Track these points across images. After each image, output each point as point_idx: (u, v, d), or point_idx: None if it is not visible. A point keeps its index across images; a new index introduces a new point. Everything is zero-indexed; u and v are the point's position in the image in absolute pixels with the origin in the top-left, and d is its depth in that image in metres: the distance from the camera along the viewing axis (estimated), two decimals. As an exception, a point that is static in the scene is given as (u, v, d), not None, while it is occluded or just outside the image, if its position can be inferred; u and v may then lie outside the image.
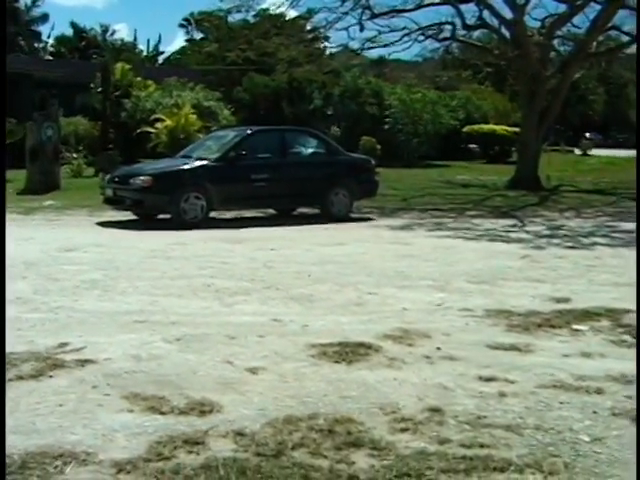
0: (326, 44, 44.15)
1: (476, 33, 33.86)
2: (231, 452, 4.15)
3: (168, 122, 25.95)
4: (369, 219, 16.42)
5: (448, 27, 27.13)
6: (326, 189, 15.97)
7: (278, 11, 32.20)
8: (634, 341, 6.56)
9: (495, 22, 26.25)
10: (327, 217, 15.73)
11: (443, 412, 4.77)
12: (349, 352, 5.99)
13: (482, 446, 4.30)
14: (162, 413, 4.67)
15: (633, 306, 7.79)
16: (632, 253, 11.77)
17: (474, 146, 39.68)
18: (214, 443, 4.26)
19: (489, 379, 5.43)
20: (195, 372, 5.52)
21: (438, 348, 6.19)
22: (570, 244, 12.82)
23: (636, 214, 11.58)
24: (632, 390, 5.26)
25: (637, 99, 26.18)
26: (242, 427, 4.47)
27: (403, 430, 4.50)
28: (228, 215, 16.14)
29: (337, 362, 5.79)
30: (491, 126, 39.38)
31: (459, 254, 11.51)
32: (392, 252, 11.74)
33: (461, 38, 29.65)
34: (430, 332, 6.67)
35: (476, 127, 38.86)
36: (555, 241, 13.19)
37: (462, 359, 5.91)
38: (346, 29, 27.30)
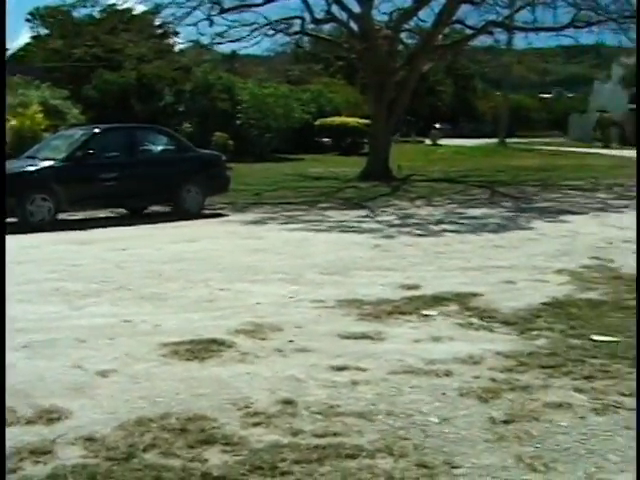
0: (176, 40, 43.68)
1: (327, 27, 34.18)
2: (80, 459, 4.03)
3: (13, 122, 25.02)
4: (222, 215, 16.31)
5: (298, 21, 27.28)
6: (177, 186, 15.79)
7: (125, 6, 31.55)
8: (482, 323, 6.79)
9: (344, 16, 26.54)
10: (179, 214, 15.55)
11: (296, 404, 4.79)
12: (201, 349, 5.94)
13: (334, 434, 4.34)
14: (8, 425, 4.48)
15: (480, 289, 8.08)
16: (479, 238, 12.22)
17: (327, 139, 40.14)
18: (62, 451, 4.13)
19: (341, 368, 5.49)
20: (43, 379, 5.35)
21: (290, 341, 6.21)
22: (420, 232, 13.11)
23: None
24: (479, 370, 5.44)
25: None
26: (92, 432, 4.36)
27: (256, 424, 4.49)
28: (78, 216, 15.70)
29: (189, 360, 5.73)
30: (343, 119, 39.92)
31: (311, 246, 11.59)
32: (244, 247, 11.71)
33: (311, 32, 29.88)
34: (282, 325, 6.69)
35: (328, 120, 39.32)
36: (406, 230, 13.44)
37: (314, 350, 5.96)
38: (195, 24, 26.99)
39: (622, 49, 34.25)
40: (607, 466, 4.03)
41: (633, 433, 4.40)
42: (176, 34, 38.35)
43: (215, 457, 4.06)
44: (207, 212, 16.29)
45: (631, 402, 4.85)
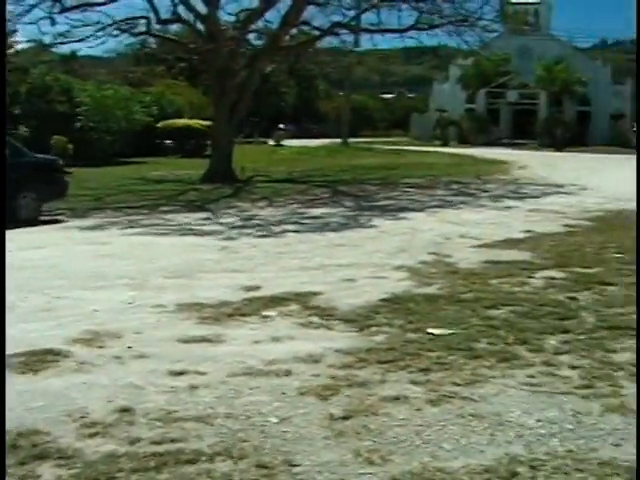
0: (16, 39, 41.92)
1: (174, 28, 33.75)
2: None
3: None
4: (61, 221, 15.81)
5: (143, 21, 26.78)
6: (12, 193, 15.17)
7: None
8: (321, 322, 6.87)
9: (191, 16, 26.27)
10: (15, 222, 14.95)
11: (133, 411, 4.71)
12: (36, 361, 5.74)
13: (173, 441, 4.29)
14: None
15: (320, 288, 8.18)
16: (320, 237, 12.36)
17: (169, 141, 39.64)
18: None
19: (180, 373, 5.45)
20: None
21: (129, 347, 6.10)
22: (262, 233, 13.13)
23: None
24: (319, 369, 5.51)
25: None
26: None
27: (92, 435, 4.39)
28: None
29: (23, 373, 5.53)
30: (186, 121, 39.56)
31: (151, 251, 11.36)
32: (86, 253, 11.39)
33: (157, 33, 29.43)
34: (121, 332, 6.57)
35: (170, 122, 38.87)
36: (247, 231, 13.43)
37: (153, 356, 5.87)
38: (35, 23, 25.86)
39: (459, 51, 35.44)
40: (442, 454, 4.16)
41: (466, 421, 4.57)
42: (14, 32, 36.72)
43: (48, 472, 3.95)
44: (45, 219, 15.75)
45: (465, 391, 5.04)
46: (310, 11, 27.31)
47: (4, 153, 15.48)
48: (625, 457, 4.17)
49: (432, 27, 27.23)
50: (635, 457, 4.06)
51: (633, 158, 41.96)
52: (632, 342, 6.26)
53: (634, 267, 9.44)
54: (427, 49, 47.03)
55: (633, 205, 16.88)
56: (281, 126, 60.03)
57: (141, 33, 28.30)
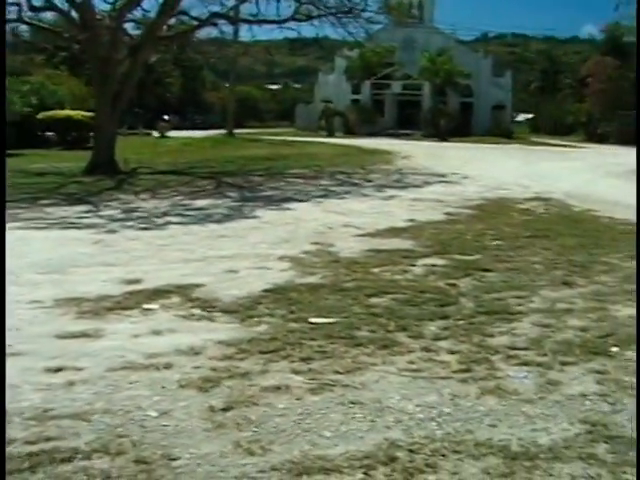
0: None
1: (49, 15, 32.75)
2: None
3: None
4: None
5: (14, 8, 25.92)
6: None
7: None
8: (203, 314, 6.81)
9: (65, 4, 25.60)
10: None
11: (7, 411, 4.55)
12: None
13: (48, 439, 4.19)
14: None
15: (202, 280, 8.12)
16: (203, 229, 12.26)
17: (50, 133, 38.59)
18: None
19: (57, 369, 5.30)
20: None
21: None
22: (144, 225, 12.85)
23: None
24: (200, 361, 5.46)
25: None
26: None
27: (-38, 437, 4.23)
28: None
29: None
30: (67, 112, 38.57)
31: (30, 245, 10.98)
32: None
33: (28, 20, 28.54)
34: (-4, 329, 6.35)
35: (51, 113, 37.84)
36: (129, 224, 13.11)
37: (30, 353, 5.70)
38: None
39: (345, 42, 35.66)
40: (321, 442, 4.19)
41: (345, 409, 4.61)
42: None
43: None
44: None
45: (346, 379, 5.08)
46: (189, 1, 27.08)
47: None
48: (499, 437, 4.29)
49: (310, 18, 27.34)
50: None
51: (512, 147, 43.35)
52: (509, 326, 6.46)
53: (511, 253, 9.77)
54: (311, 40, 47.31)
55: (511, 193, 17.41)
56: (165, 117, 59.29)
57: (11, 20, 27.34)
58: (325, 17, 27.17)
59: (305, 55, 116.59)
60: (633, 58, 73.93)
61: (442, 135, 53.20)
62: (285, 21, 27.62)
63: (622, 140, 62.93)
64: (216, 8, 27.28)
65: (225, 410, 4.59)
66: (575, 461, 4.08)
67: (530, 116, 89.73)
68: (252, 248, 10.33)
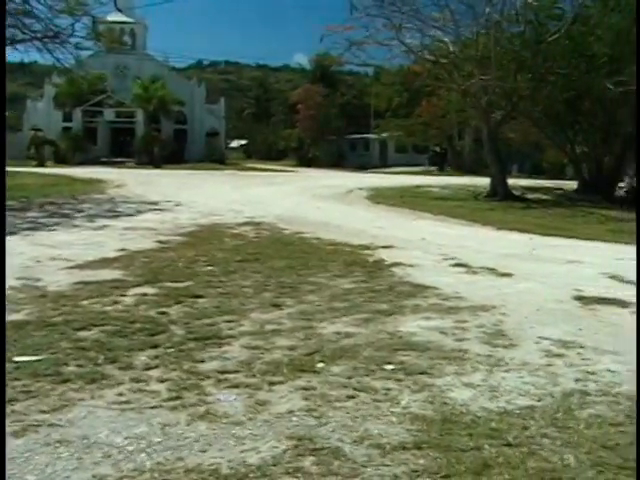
0: None
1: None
2: None
3: None
4: None
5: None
6: None
7: None
8: None
9: None
10: None
11: None
12: None
13: None
14: None
15: None
16: None
17: None
18: None
19: None
20: None
21: None
22: None
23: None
24: None
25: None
26: None
27: None
28: None
29: None
30: None
31: None
32: None
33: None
34: None
35: None
36: None
37: None
38: None
39: (55, 68, 34.63)
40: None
41: (51, 449, 4.46)
42: None
43: None
44: None
45: (51, 417, 4.92)
46: None
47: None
48: (210, 461, 4.34)
49: (14, 42, 26.33)
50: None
51: (226, 174, 44.07)
52: (219, 350, 6.55)
53: (223, 278, 9.91)
54: (17, 65, 45.45)
55: (224, 219, 17.69)
56: None
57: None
58: (30, 42, 26.28)
59: (13, 81, 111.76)
60: (340, 85, 78.29)
61: (156, 162, 53.12)
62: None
63: (330, 164, 66.26)
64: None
65: None
66: (283, 476, 4.21)
67: (244, 142, 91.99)
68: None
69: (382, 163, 67.35)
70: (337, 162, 67.68)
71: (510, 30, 30.96)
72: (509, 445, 4.68)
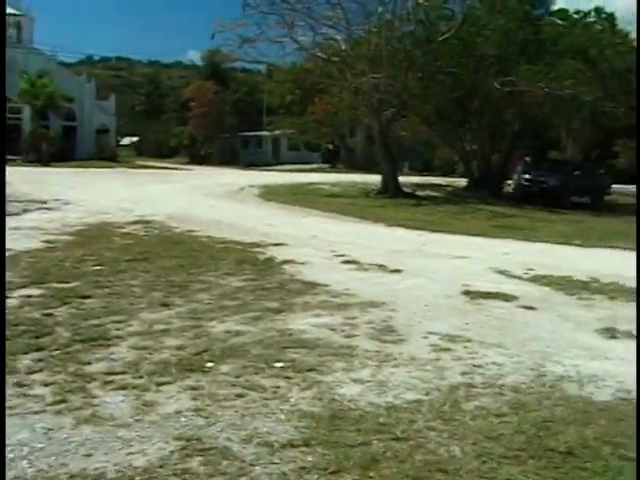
0: None
1: None
2: None
3: None
4: None
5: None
6: None
7: None
8: None
9: None
10: None
11: None
12: None
13: None
14: None
15: None
16: None
17: None
18: None
19: None
20: None
21: None
22: None
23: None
24: None
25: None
26: None
27: None
28: None
29: None
30: None
31: None
32: None
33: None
34: None
35: None
36: None
37: None
38: None
39: None
40: None
41: None
42: None
43: None
44: None
45: None
46: None
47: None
48: (95, 465, 4.27)
49: None
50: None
51: (117, 171, 43.30)
52: (106, 351, 6.43)
53: (112, 278, 9.74)
54: None
55: (113, 217, 17.38)
56: None
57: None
58: None
59: None
60: (232, 82, 78.02)
61: (45, 160, 51.80)
62: None
63: (223, 161, 66.02)
64: None
65: None
66: (170, 478, 4.18)
67: (135, 139, 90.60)
68: None
69: (275, 161, 67.43)
70: (230, 160, 67.42)
71: (402, 29, 31.42)
72: (397, 439, 4.76)
